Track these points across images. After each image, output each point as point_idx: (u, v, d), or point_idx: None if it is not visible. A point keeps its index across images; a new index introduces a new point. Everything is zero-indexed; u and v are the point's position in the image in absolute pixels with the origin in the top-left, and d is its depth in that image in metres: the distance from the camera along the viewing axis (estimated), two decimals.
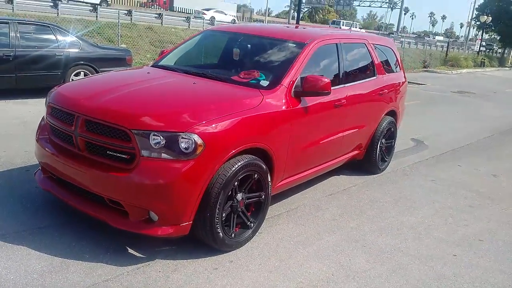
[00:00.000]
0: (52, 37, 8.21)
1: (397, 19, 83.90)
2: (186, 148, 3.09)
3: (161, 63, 4.64)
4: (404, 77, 6.39)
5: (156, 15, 22.74)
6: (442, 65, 29.69)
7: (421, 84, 18.44)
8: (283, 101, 3.85)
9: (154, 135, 3.07)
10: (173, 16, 26.69)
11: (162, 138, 3.07)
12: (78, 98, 3.45)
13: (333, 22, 59.15)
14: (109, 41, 15.68)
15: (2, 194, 4.08)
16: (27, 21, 8.29)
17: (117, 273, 3.11)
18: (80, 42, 8.58)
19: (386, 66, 5.87)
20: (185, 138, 3.08)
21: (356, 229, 4.18)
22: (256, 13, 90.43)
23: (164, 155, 3.09)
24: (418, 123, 9.67)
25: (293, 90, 3.97)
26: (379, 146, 5.75)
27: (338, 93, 4.58)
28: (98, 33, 15.92)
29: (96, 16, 19.11)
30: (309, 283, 3.23)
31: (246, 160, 3.42)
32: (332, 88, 4.42)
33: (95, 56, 8.73)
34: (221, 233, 3.35)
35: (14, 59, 7.57)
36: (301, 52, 4.22)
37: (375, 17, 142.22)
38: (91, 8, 20.06)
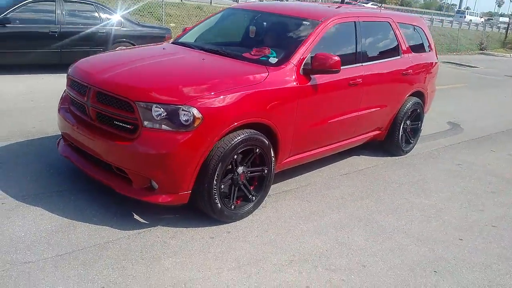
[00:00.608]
0: (95, 15, 8.57)
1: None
2: (185, 121, 3.21)
3: (181, 40, 4.77)
4: (436, 58, 6.16)
5: None
6: (501, 47, 27.99)
7: (474, 67, 17.56)
8: (291, 78, 3.87)
9: (155, 107, 3.21)
10: None
11: (163, 110, 3.21)
12: (91, 71, 3.66)
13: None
14: (158, 19, 16.06)
15: (30, 160, 4.41)
16: None
17: (119, 236, 3.32)
18: (122, 20, 8.89)
19: (414, 46, 5.69)
20: (184, 111, 3.20)
21: (363, 208, 4.18)
22: None
23: (164, 126, 3.23)
24: (459, 107, 9.32)
25: (302, 67, 3.98)
26: (403, 127, 5.63)
27: (353, 72, 4.53)
28: (149, 12, 16.34)
29: None
30: (301, 256, 3.30)
31: (247, 134, 3.50)
32: (347, 66, 4.45)
33: (136, 33, 9.03)
34: (219, 204, 3.48)
35: (59, 36, 7.98)
36: (314, 30, 4.20)
37: None
38: None
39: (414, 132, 5.96)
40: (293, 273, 3.09)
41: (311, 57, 4.01)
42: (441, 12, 75.31)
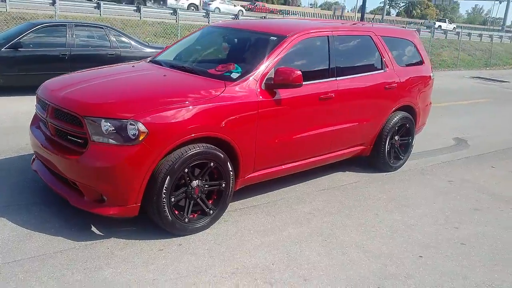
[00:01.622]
0: (105, 37, 8.95)
1: (504, 13, 76.92)
2: (131, 135, 3.30)
3: (157, 58, 4.92)
4: (430, 71, 6.02)
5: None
6: None
7: (504, 81, 16.90)
8: (251, 93, 3.91)
9: (104, 121, 3.33)
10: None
11: (109, 124, 3.32)
12: (51, 89, 3.86)
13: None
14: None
15: (13, 174, 4.63)
16: (83, 23, 9.12)
17: (70, 246, 3.42)
18: (131, 42, 9.24)
19: (402, 59, 5.60)
20: (130, 125, 3.30)
21: (328, 223, 4.10)
22: (351, 10, 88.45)
23: (111, 141, 3.34)
24: (474, 122, 9.01)
25: (264, 82, 4.01)
26: (390, 142, 5.51)
27: (325, 86, 4.51)
28: (166, 33, 16.92)
29: (140, 16, 20.06)
30: (244, 269, 3.28)
31: (199, 148, 3.55)
32: (317, 81, 4.45)
33: (144, 55, 9.31)
34: (169, 217, 3.52)
35: (69, 58, 8.39)
36: (279, 45, 4.23)
37: (481, 11, 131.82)
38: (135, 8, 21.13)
39: (405, 148, 5.81)
40: (230, 286, 3.08)
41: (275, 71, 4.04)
42: (486, 27, 73.21)
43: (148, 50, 9.42)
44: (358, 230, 4.02)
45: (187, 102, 3.55)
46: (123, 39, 9.18)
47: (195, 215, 3.77)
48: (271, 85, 4.02)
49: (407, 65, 5.69)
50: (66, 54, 8.37)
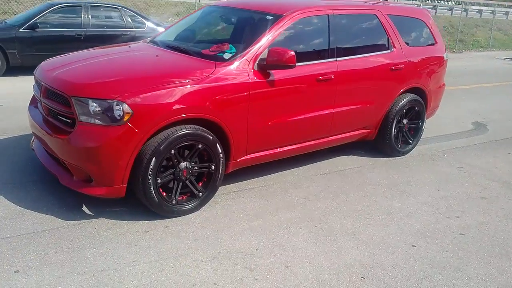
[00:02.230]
0: (120, 17, 8.98)
1: None
2: (115, 115, 3.29)
3: (156, 38, 4.87)
4: (443, 52, 5.75)
5: None
6: None
7: None
8: (242, 74, 3.82)
9: (88, 101, 3.33)
10: None
11: (96, 105, 3.32)
12: (45, 69, 3.88)
13: None
14: None
15: (17, 152, 4.73)
16: (98, 3, 9.16)
17: (58, 225, 3.47)
18: (145, 22, 9.23)
19: (411, 39, 5.37)
20: (115, 106, 3.28)
21: (321, 209, 4.02)
22: None
23: (97, 121, 3.34)
24: (497, 106, 8.63)
25: (256, 63, 3.91)
26: (398, 126, 5.33)
27: (323, 67, 4.37)
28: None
29: None
30: (225, 254, 3.25)
31: (185, 130, 3.52)
32: (314, 62, 4.32)
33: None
34: (156, 198, 3.52)
35: (85, 38, 8.47)
36: (274, 25, 4.11)
37: None
38: None
39: (414, 132, 5.61)
40: (208, 270, 3.05)
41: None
42: None
43: (163, 30, 9.38)
44: (352, 216, 3.92)
45: (174, 83, 3.50)
46: (138, 19, 9.19)
47: (184, 197, 3.76)
48: (264, 66, 3.92)
49: (418, 46, 5.45)
50: (81, 35, 8.45)
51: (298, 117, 4.29)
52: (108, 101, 3.30)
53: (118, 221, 3.59)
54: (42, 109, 3.82)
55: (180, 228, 3.56)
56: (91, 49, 4.58)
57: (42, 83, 3.73)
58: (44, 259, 3.05)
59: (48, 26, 8.24)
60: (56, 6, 8.39)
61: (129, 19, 9.03)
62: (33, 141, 4.31)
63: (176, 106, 3.46)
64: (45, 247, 3.19)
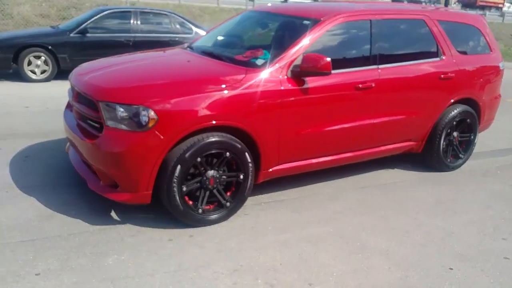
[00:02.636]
0: (169, 24, 9.11)
1: None
2: (141, 121, 3.25)
3: (194, 43, 4.83)
4: (500, 61, 5.33)
5: None
6: None
7: None
8: (274, 80, 3.68)
9: (115, 106, 3.31)
10: None
11: (122, 110, 3.29)
12: (79, 73, 3.92)
13: None
14: None
15: (53, 155, 4.83)
16: (148, 9, 9.33)
17: (84, 229, 3.47)
18: (194, 28, 9.31)
19: (464, 47, 5.01)
20: (141, 112, 3.24)
21: (355, 225, 3.78)
22: None
23: (123, 126, 3.31)
24: None
25: (290, 69, 3.76)
26: (447, 139, 4.97)
27: (363, 75, 4.14)
28: None
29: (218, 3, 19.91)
30: (248, 267, 3.10)
31: (212, 138, 3.42)
32: (354, 69, 4.12)
33: None
34: (180, 206, 3.44)
35: (134, 44, 8.65)
36: (311, 30, 3.94)
37: None
38: None
39: (466, 146, 5.21)
40: (227, 283, 2.92)
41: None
42: None
43: None
44: (388, 234, 3.65)
45: (201, 90, 3.41)
46: (187, 25, 9.28)
47: (212, 206, 3.65)
48: (298, 73, 3.76)
49: (471, 54, 5.07)
50: (130, 40, 8.64)
51: (335, 127, 4.08)
52: (134, 106, 3.26)
53: (143, 227, 3.54)
54: (74, 114, 3.86)
55: (205, 238, 3.45)
56: (126, 54, 4.60)
57: (74, 87, 3.77)
58: (65, 264, 3.04)
59: (98, 31, 8.49)
60: (107, 12, 8.64)
61: (178, 26, 9.14)
62: (68, 145, 4.37)
63: (202, 113, 3.36)
64: (68, 251, 3.18)
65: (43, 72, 8.32)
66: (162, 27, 9.10)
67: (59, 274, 2.92)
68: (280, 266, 3.14)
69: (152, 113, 3.22)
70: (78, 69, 4.09)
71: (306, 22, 4.09)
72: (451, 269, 3.21)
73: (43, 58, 8.24)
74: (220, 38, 4.80)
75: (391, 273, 3.12)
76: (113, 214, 3.72)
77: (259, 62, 3.85)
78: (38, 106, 6.80)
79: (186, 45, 4.86)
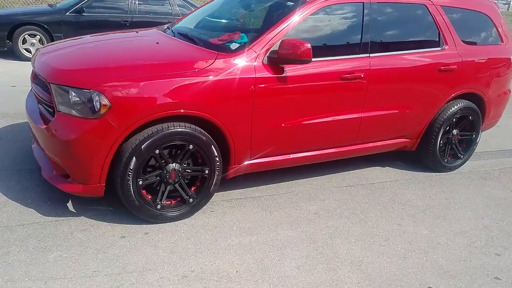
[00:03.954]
0: (168, 5, 8.80)
1: None
2: (92, 107, 2.96)
3: (176, 24, 4.50)
4: (510, 52, 4.86)
5: None
6: None
7: None
8: (247, 67, 3.34)
9: (67, 90, 3.03)
10: None
11: (74, 94, 3.01)
12: (41, 53, 3.64)
13: None
14: None
15: (28, 137, 4.59)
16: None
17: (35, 220, 3.23)
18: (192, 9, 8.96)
19: (471, 37, 4.57)
20: (92, 97, 2.95)
21: (331, 228, 3.45)
22: None
23: (73, 112, 3.03)
24: None
25: (267, 55, 3.42)
26: (446, 137, 4.58)
27: (351, 64, 3.77)
28: None
29: None
30: (199, 274, 2.82)
31: (172, 128, 3.12)
32: (340, 57, 3.76)
33: None
34: (136, 201, 3.16)
35: (130, 24, 8.38)
36: (292, 12, 3.58)
37: None
38: None
39: (466, 145, 4.81)
40: None
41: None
42: None
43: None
44: (364, 242, 3.32)
45: (162, 75, 3.10)
46: (187, 7, 8.94)
47: (173, 202, 3.37)
48: (275, 60, 3.41)
49: (478, 44, 4.63)
50: (127, 21, 8.36)
51: (316, 121, 3.73)
52: (85, 90, 2.97)
53: (98, 222, 3.29)
54: (34, 97, 3.59)
55: (161, 236, 3.18)
56: (98, 34, 4.30)
57: (33, 67, 3.50)
58: (3, 258, 2.81)
59: (95, 10, 8.23)
60: None
61: (177, 8, 8.81)
62: None
63: (162, 101, 3.05)
64: (10, 244, 2.95)
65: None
66: (161, 8, 8.79)
67: None
68: (235, 274, 2.84)
69: (104, 98, 2.93)
70: (43, 49, 3.81)
71: (289, 3, 3.73)
72: (430, 287, 2.86)
73: (38, 36, 8.02)
74: (203, 20, 4.45)
75: (357, 285, 2.80)
76: (69, 205, 3.47)
77: (233, 46, 3.51)
78: (24, 85, 6.57)
79: (166, 25, 4.54)
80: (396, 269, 3.02)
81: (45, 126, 3.14)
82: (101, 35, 4.19)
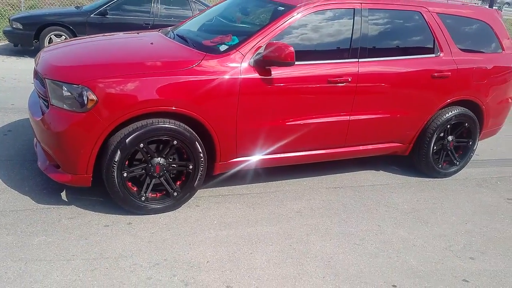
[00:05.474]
0: (189, 9, 9.08)
1: None
2: (81, 101, 3.17)
3: (178, 27, 4.68)
4: (510, 61, 4.81)
5: None
6: None
7: None
8: (233, 68, 3.48)
9: (60, 85, 3.24)
10: None
11: (65, 89, 3.23)
12: (43, 51, 3.90)
13: None
14: None
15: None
16: None
17: (27, 207, 3.45)
18: None
19: (468, 44, 4.56)
20: (81, 91, 3.15)
21: (310, 226, 3.53)
22: None
23: (64, 105, 3.24)
24: None
25: (253, 57, 3.55)
26: (441, 143, 4.59)
27: (339, 68, 3.85)
28: None
29: None
30: (171, 263, 2.96)
31: (157, 124, 3.29)
32: (328, 61, 3.86)
33: None
34: (120, 192, 3.34)
35: (152, 27, 8.64)
36: (282, 16, 3.70)
37: None
38: None
39: (463, 152, 4.78)
40: (141, 277, 2.79)
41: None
42: None
43: None
44: (339, 240, 3.38)
45: (149, 73, 3.28)
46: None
47: (159, 194, 3.54)
48: (261, 62, 3.54)
49: (476, 52, 4.61)
50: (149, 24, 8.66)
51: (302, 122, 3.82)
52: (75, 85, 3.18)
53: (86, 211, 3.48)
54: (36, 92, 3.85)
55: (143, 227, 3.34)
56: (100, 34, 4.54)
57: (35, 66, 3.76)
58: None
59: (119, 13, 8.55)
60: None
61: (198, 12, 9.03)
62: None
63: (146, 97, 3.22)
64: (1, 228, 3.17)
65: None
66: (183, 11, 9.04)
67: None
68: (206, 264, 2.97)
69: (91, 93, 3.13)
70: (46, 48, 4.07)
71: (280, 7, 3.85)
72: (394, 286, 2.91)
73: (63, 37, 8.41)
74: (207, 22, 4.62)
75: (323, 283, 2.88)
76: (63, 194, 3.69)
77: (222, 48, 3.66)
78: None
79: (170, 28, 4.73)
80: (364, 266, 3.08)
81: (40, 118, 3.37)
82: (104, 35, 4.43)
